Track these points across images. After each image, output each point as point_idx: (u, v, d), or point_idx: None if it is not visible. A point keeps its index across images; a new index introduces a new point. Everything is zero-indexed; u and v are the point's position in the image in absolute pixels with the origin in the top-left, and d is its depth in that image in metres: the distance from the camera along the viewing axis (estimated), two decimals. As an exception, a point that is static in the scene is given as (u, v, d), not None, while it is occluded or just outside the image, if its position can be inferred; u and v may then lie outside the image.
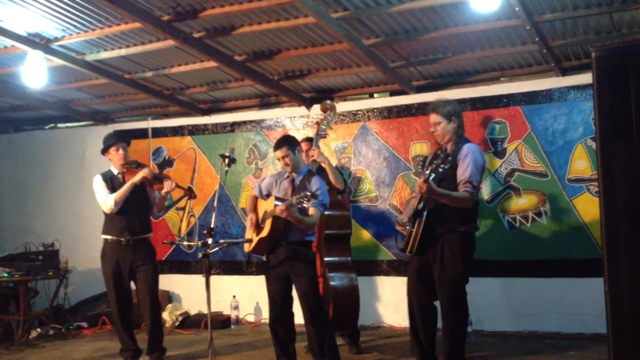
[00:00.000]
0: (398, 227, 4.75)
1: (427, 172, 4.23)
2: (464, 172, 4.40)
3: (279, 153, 4.88)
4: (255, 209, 5.02)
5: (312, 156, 5.43)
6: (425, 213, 4.42)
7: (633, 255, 2.84)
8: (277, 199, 4.73)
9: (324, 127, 5.58)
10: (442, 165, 4.18)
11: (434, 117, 4.66)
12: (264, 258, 5.08)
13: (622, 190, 2.86)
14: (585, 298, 5.89)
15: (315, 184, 4.81)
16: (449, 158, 4.26)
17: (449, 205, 4.37)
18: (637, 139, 2.83)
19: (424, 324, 4.66)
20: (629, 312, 2.85)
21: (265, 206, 4.87)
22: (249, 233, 4.98)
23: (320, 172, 5.47)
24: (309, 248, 4.93)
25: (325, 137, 5.74)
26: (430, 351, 4.68)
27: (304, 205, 4.61)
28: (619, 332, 2.88)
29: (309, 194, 4.38)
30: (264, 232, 4.76)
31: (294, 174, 4.91)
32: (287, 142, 4.90)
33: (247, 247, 5.02)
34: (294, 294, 4.91)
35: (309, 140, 5.76)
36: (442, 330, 4.58)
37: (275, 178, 5.07)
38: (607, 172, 2.89)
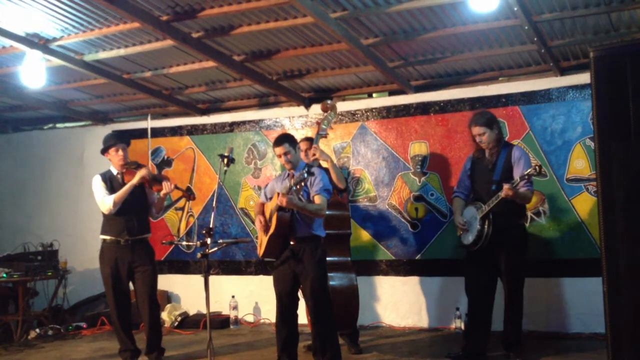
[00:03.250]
0: (460, 229, 5.26)
1: (514, 182, 4.80)
2: (522, 172, 4.87)
3: (280, 150, 4.84)
4: (263, 214, 4.98)
5: (314, 155, 5.41)
6: (491, 213, 4.93)
7: (631, 255, 2.85)
8: (279, 194, 4.72)
9: (324, 126, 5.57)
10: (531, 175, 4.76)
11: (477, 129, 5.09)
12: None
13: (619, 190, 2.86)
14: (585, 298, 5.90)
15: (314, 172, 4.81)
16: (532, 169, 4.74)
17: (517, 203, 4.94)
18: (635, 139, 2.83)
19: (487, 312, 5.20)
20: (627, 312, 2.86)
21: (269, 206, 4.87)
22: (261, 236, 4.95)
23: None
24: (318, 244, 4.84)
25: (325, 137, 5.73)
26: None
27: (305, 185, 4.64)
28: (617, 332, 2.88)
29: (304, 172, 4.41)
30: (271, 229, 4.74)
31: (293, 171, 4.91)
32: (287, 139, 4.89)
33: (259, 251, 4.95)
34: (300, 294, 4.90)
35: (308, 140, 5.76)
36: (505, 316, 5.22)
37: (276, 180, 5.08)
38: (605, 172, 2.90)
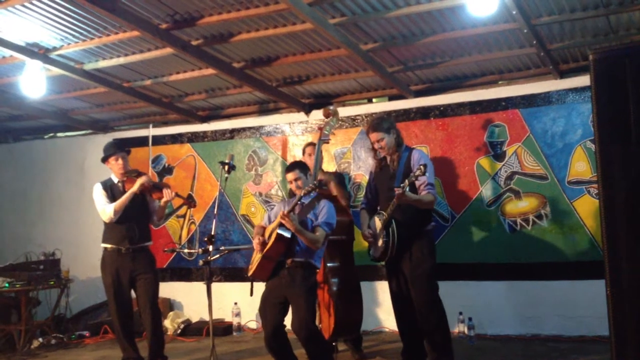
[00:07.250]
0: (367, 240, 5.01)
1: (403, 185, 4.47)
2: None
3: (292, 175, 4.83)
4: (262, 234, 4.88)
5: (320, 178, 5.40)
6: (393, 221, 4.68)
7: (634, 257, 2.84)
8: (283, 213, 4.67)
9: (326, 132, 5.60)
10: (418, 176, 4.47)
11: (375, 136, 4.85)
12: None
13: (621, 192, 2.85)
14: (587, 300, 5.88)
15: (322, 205, 4.80)
16: (418, 170, 4.46)
17: (417, 209, 4.66)
18: (636, 141, 2.82)
19: (410, 323, 4.85)
20: (631, 315, 2.84)
21: (271, 227, 4.81)
22: (255, 255, 4.86)
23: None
24: (312, 274, 4.78)
25: (328, 142, 5.76)
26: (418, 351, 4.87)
27: (313, 211, 4.65)
28: (621, 335, 2.87)
29: (310, 186, 4.44)
30: (268, 245, 4.65)
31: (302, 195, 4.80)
32: (298, 166, 4.91)
33: (250, 270, 4.84)
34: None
35: (313, 145, 5.81)
36: (422, 331, 4.74)
37: (283, 204, 5.06)
38: (606, 175, 2.89)
